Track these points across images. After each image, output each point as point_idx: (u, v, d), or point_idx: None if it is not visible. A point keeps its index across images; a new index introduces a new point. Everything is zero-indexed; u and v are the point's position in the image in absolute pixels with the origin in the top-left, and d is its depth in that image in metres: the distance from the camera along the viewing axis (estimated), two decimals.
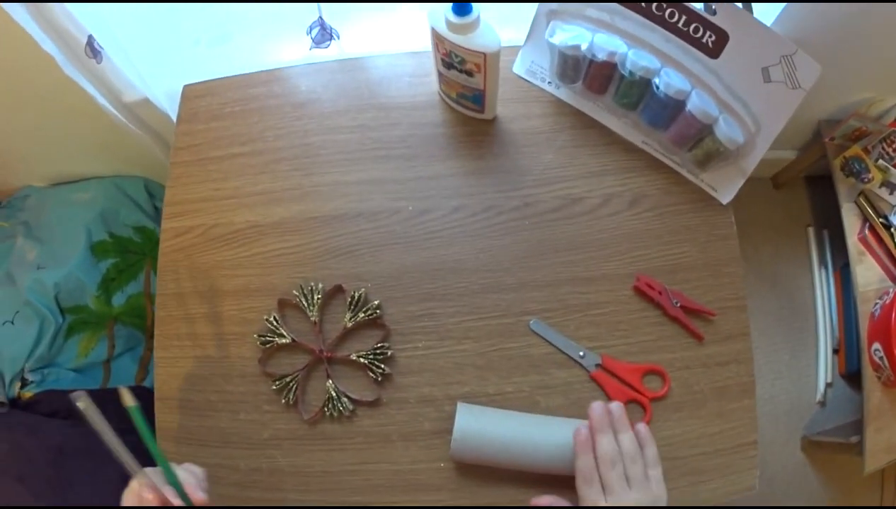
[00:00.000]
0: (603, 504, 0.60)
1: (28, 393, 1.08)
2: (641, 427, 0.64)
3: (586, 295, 0.73)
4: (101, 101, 0.97)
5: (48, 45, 0.82)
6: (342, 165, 0.78)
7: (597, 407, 0.64)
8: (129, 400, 0.55)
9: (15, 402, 1.08)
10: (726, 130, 0.72)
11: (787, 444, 1.37)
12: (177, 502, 0.56)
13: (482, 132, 0.78)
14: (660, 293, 0.74)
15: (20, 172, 1.21)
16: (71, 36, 0.84)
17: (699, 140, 0.75)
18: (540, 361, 0.72)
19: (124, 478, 0.99)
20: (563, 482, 0.70)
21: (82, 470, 1.01)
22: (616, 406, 0.64)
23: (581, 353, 0.72)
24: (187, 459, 0.72)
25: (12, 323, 1.08)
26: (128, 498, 0.58)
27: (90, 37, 0.86)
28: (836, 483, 1.37)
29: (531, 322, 0.73)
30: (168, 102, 0.98)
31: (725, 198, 0.78)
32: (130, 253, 1.12)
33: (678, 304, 0.74)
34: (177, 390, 0.76)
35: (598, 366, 0.72)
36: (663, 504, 0.61)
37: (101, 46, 0.88)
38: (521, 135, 0.78)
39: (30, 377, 1.09)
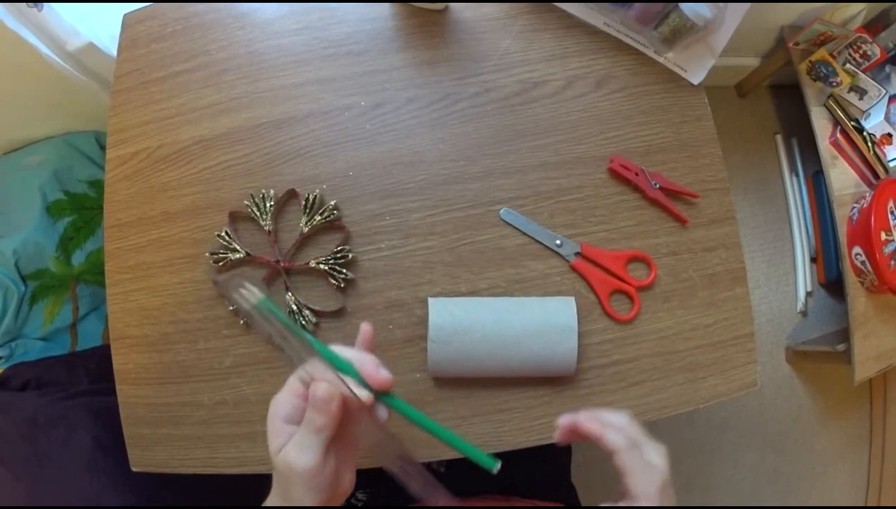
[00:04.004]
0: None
1: None
2: None
3: (557, 180, 0.65)
4: (45, 51, 0.89)
5: None
6: (289, 68, 0.68)
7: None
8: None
9: None
10: (692, 5, 0.64)
11: (771, 355, 1.30)
12: (359, 390, 0.42)
13: (433, 22, 0.69)
14: (636, 174, 0.65)
15: None
16: None
17: (665, 16, 0.67)
18: (514, 253, 0.64)
19: (97, 442, 0.91)
20: (544, 383, 0.62)
21: (56, 439, 0.92)
22: None
23: (558, 242, 0.63)
24: (149, 400, 0.65)
25: None
26: (282, 398, 0.43)
27: None
28: (824, 394, 1.30)
29: (501, 211, 0.64)
30: (114, 45, 0.89)
31: (696, 78, 0.70)
32: (86, 209, 1.02)
33: (657, 186, 0.65)
34: (131, 327, 0.67)
35: (577, 254, 0.64)
36: None
37: None
38: (476, 23, 0.69)
39: None
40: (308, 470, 0.39)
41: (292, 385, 0.43)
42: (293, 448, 0.40)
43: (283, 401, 0.42)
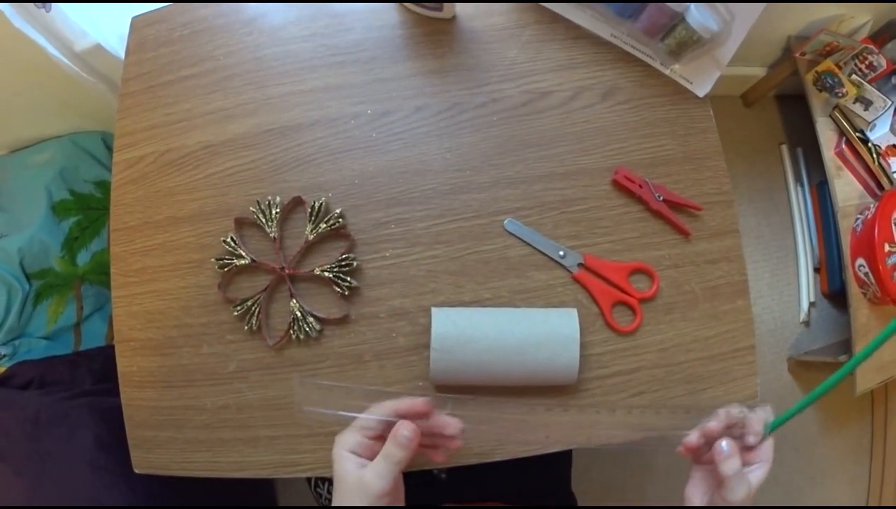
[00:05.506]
0: None
1: (1, 368, 0.99)
2: None
3: (563, 190, 0.65)
4: (53, 51, 0.90)
5: None
6: (297, 75, 0.69)
7: None
8: None
9: None
10: (699, 17, 0.65)
11: (773, 365, 1.30)
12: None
13: (442, 31, 0.69)
14: (640, 186, 0.65)
15: None
16: None
17: (671, 28, 0.67)
18: (518, 263, 0.64)
19: (99, 441, 0.92)
20: (545, 393, 0.63)
21: (58, 438, 0.93)
22: None
23: (561, 253, 0.64)
24: (152, 403, 0.66)
25: None
26: (349, 434, 0.50)
27: None
28: (824, 404, 1.30)
29: (506, 221, 0.64)
30: (121, 46, 0.89)
31: (701, 90, 0.70)
32: (92, 209, 1.03)
33: (661, 198, 0.66)
34: (136, 330, 0.67)
35: (580, 265, 0.64)
36: None
37: None
38: (484, 33, 0.69)
39: (1, 350, 1.00)
40: (382, 492, 0.47)
41: (361, 425, 0.51)
42: (372, 473, 0.48)
43: (350, 437, 0.50)
